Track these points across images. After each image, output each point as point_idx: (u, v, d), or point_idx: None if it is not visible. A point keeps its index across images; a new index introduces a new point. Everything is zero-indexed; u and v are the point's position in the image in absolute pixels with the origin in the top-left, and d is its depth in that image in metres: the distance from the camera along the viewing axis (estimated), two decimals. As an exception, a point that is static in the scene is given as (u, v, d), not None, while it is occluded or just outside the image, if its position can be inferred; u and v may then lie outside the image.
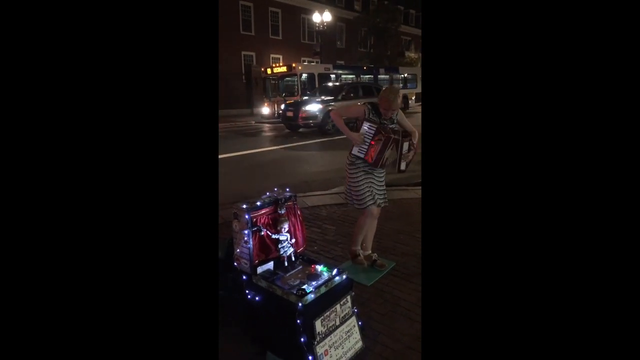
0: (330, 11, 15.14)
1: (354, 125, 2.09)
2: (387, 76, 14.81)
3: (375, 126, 1.96)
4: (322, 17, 14.38)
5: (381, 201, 2.07)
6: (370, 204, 2.02)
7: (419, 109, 15.68)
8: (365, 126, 1.98)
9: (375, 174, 2.04)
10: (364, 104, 2.07)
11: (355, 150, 2.00)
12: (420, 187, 3.91)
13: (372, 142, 1.96)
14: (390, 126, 2.00)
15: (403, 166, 2.03)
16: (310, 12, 16.40)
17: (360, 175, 2.01)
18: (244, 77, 15.74)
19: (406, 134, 2.01)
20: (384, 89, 2.07)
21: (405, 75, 15.90)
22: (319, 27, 14.82)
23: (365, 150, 1.98)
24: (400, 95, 2.00)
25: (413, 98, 15.90)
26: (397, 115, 2.06)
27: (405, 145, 1.99)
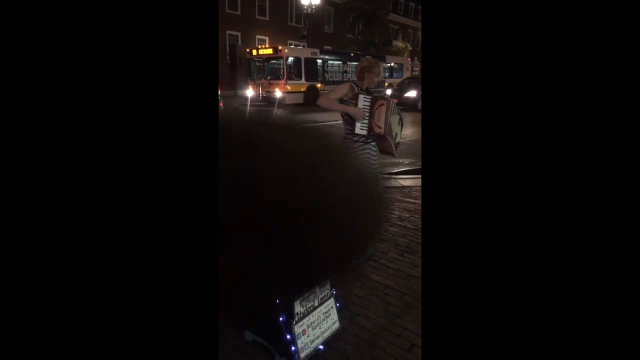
0: (319, -6, 14.85)
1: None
2: (374, 64, 14.70)
3: (370, 96, 1.97)
4: (310, 0, 14.10)
5: None
6: None
7: (404, 99, 15.74)
8: (362, 99, 1.96)
9: (370, 161, 2.04)
10: (348, 81, 2.09)
11: (357, 129, 1.96)
12: (399, 176, 3.97)
13: (374, 112, 1.94)
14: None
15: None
16: (298, -6, 16.02)
17: None
18: (228, 57, 15.33)
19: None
20: (363, 62, 2.08)
21: (392, 64, 15.87)
22: (307, 10, 14.53)
23: (367, 125, 1.96)
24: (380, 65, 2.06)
25: (398, 88, 15.94)
26: (383, 93, 2.11)
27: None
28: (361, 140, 1.99)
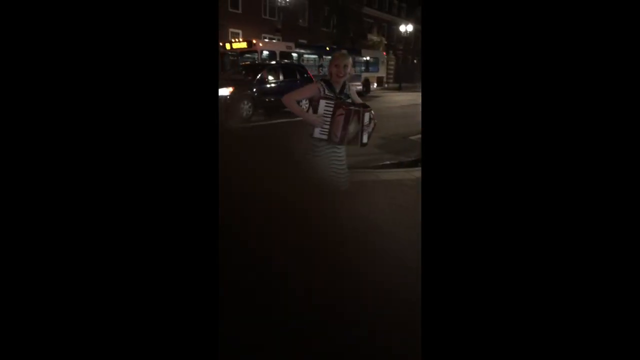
0: (293, -13, 14.68)
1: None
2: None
3: (333, 102, 1.92)
4: (284, -7, 13.92)
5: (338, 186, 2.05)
6: None
7: (381, 93, 15.88)
8: (323, 104, 1.92)
9: (336, 159, 2.00)
10: (317, 82, 2.04)
11: (316, 133, 1.93)
12: (380, 170, 3.97)
13: (334, 119, 1.91)
14: (347, 101, 1.98)
15: (365, 139, 2.01)
16: (272, -14, 15.79)
17: (324, 162, 1.96)
18: (201, 51, 14.93)
19: (365, 106, 2.00)
20: (334, 54, 2.05)
21: (368, 58, 15.95)
22: (281, 3, 14.34)
23: (327, 130, 1.92)
24: (350, 61, 1.98)
25: (375, 82, 16.05)
26: (349, 89, 2.05)
27: (367, 117, 1.98)
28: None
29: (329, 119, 1.90)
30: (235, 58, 12.08)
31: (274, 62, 10.51)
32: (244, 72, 9.39)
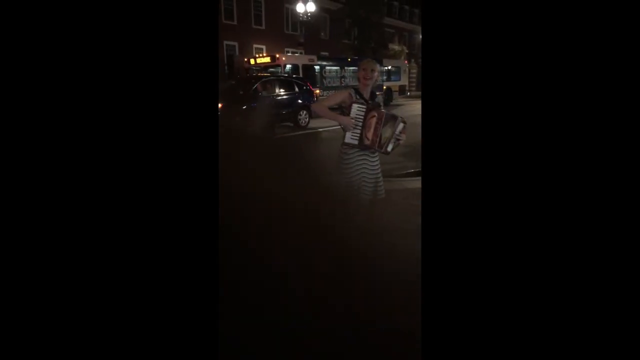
0: (314, 1, 14.94)
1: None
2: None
3: (365, 106, 1.91)
4: (305, 8, 14.21)
5: (368, 195, 2.02)
6: None
7: (403, 101, 15.76)
8: (355, 108, 1.91)
9: (367, 167, 1.97)
10: (348, 88, 2.05)
11: (347, 138, 1.91)
12: (403, 179, 3.91)
13: (366, 123, 1.89)
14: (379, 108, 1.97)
15: (390, 147, 1.98)
16: (294, 1, 16.15)
17: (354, 170, 1.94)
18: (226, 67, 15.43)
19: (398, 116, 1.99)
20: (361, 62, 2.06)
21: (389, 67, 15.91)
22: (302, 17, 14.63)
23: (358, 135, 1.91)
24: (377, 67, 1.98)
25: (397, 91, 15.98)
26: (380, 99, 2.05)
27: (400, 126, 1.96)
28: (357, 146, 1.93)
29: (360, 123, 1.89)
30: (260, 72, 12.36)
31: (268, 75, 10.01)
32: (233, 83, 8.74)
